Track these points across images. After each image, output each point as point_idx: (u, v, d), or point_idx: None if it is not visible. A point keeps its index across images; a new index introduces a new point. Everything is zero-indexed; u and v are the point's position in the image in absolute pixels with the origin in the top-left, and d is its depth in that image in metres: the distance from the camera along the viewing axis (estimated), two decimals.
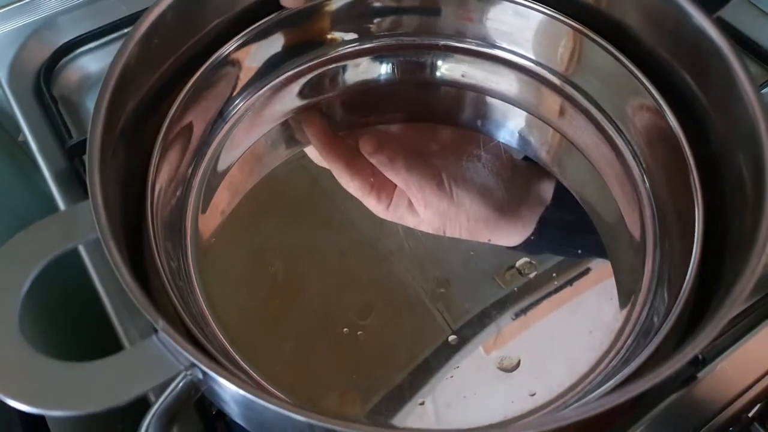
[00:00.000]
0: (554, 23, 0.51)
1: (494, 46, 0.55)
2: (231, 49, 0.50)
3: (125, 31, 0.59)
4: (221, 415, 0.43)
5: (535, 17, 0.52)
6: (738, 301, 0.35)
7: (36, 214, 0.39)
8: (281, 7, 0.51)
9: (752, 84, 0.41)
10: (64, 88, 0.58)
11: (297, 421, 0.32)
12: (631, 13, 0.49)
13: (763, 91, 0.54)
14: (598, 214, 0.50)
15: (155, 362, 0.34)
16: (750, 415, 0.44)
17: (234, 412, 0.38)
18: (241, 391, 0.32)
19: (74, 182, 0.52)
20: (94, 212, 0.36)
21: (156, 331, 0.35)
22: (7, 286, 0.34)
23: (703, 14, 0.44)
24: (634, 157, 0.50)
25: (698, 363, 0.44)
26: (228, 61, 0.50)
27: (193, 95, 0.48)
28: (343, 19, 0.54)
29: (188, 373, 0.34)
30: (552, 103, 0.54)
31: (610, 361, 0.43)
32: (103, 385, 0.33)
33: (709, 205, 0.44)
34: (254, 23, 0.50)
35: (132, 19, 0.59)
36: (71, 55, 0.59)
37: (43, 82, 0.56)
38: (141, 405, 0.37)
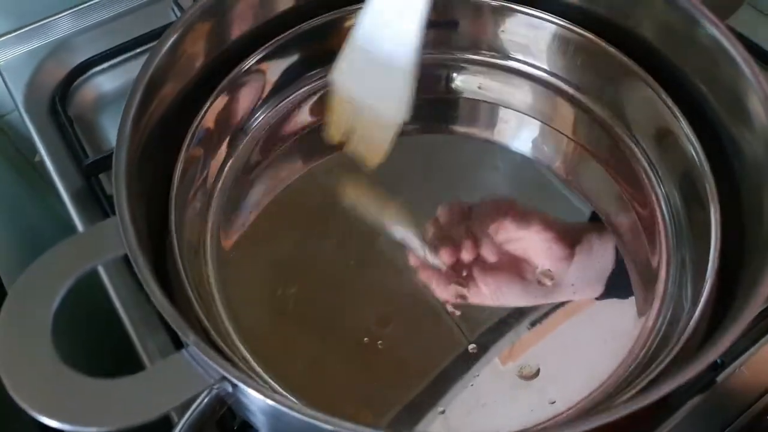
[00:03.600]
0: (567, 34, 0.52)
1: (509, 58, 0.55)
2: (252, 62, 0.50)
3: (139, 50, 0.60)
4: (243, 430, 0.43)
5: (549, 29, 0.53)
6: (758, 304, 0.35)
7: (52, 234, 0.40)
8: (302, 21, 0.51)
9: (764, 87, 0.42)
10: (80, 108, 0.59)
11: (325, 430, 0.32)
12: (645, 22, 0.49)
13: None
14: (613, 223, 0.50)
15: (184, 377, 0.34)
16: None
17: (261, 423, 0.38)
18: (271, 402, 0.32)
19: (91, 201, 0.52)
20: (122, 229, 0.36)
21: (184, 345, 0.35)
22: (39, 302, 0.35)
23: (716, 22, 0.44)
24: (648, 165, 0.51)
25: (717, 367, 0.44)
26: (249, 75, 0.51)
27: (214, 109, 0.49)
28: None
29: (216, 387, 0.34)
30: (567, 113, 0.54)
31: (629, 368, 0.43)
32: (132, 401, 0.34)
33: (725, 209, 0.44)
34: (275, 37, 0.51)
35: (146, 39, 0.60)
36: (86, 76, 0.60)
37: (59, 102, 0.57)
38: (165, 421, 0.37)
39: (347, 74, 0.47)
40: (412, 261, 0.48)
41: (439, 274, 0.47)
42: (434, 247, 0.48)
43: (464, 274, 0.47)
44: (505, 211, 0.50)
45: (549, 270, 0.47)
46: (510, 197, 0.52)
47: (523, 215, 0.50)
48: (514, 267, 0.48)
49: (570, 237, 0.49)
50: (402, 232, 0.49)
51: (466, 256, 0.48)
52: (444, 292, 0.47)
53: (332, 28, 0.53)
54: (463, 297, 0.47)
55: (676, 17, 0.47)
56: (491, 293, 0.47)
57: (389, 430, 0.42)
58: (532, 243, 0.49)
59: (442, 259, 0.48)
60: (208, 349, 0.33)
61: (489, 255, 0.48)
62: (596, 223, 0.50)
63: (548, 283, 0.47)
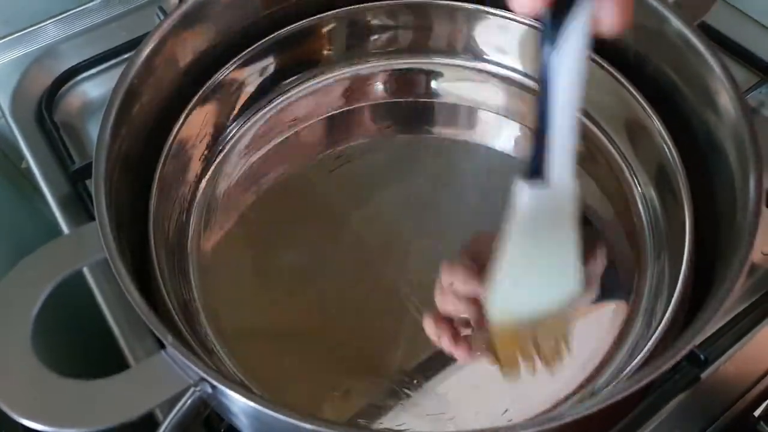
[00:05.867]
0: (537, 34, 0.52)
1: (484, 60, 0.56)
2: (230, 70, 0.51)
3: (125, 57, 0.60)
4: None
5: (521, 30, 0.53)
6: (732, 291, 0.36)
7: (38, 239, 0.40)
8: (277, 29, 0.52)
9: (732, 82, 0.42)
10: (66, 115, 0.59)
11: (306, 429, 0.32)
12: None
13: (750, 95, 0.55)
14: (592, 218, 0.50)
15: (164, 378, 0.35)
16: (756, 414, 0.44)
17: (243, 424, 0.39)
18: (251, 403, 0.33)
19: (77, 206, 0.53)
20: (101, 233, 0.37)
21: (163, 346, 0.35)
22: (19, 307, 0.35)
23: (683, 20, 0.45)
24: (623, 161, 0.51)
25: (701, 363, 0.45)
26: (227, 82, 0.51)
27: (193, 117, 0.49)
28: (338, 38, 0.55)
29: (197, 388, 0.35)
30: None
31: (610, 365, 0.44)
32: (113, 401, 0.34)
33: (699, 203, 0.45)
34: (251, 45, 0.51)
35: (131, 45, 0.60)
36: (72, 82, 0.60)
37: (45, 109, 0.57)
38: (151, 422, 0.38)
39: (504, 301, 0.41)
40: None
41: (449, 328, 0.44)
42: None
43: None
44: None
45: None
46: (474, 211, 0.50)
47: None
48: None
49: None
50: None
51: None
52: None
53: (309, 35, 0.53)
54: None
55: (645, 14, 0.47)
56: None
57: (366, 427, 0.42)
58: None
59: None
60: (186, 350, 0.33)
61: None
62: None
63: None
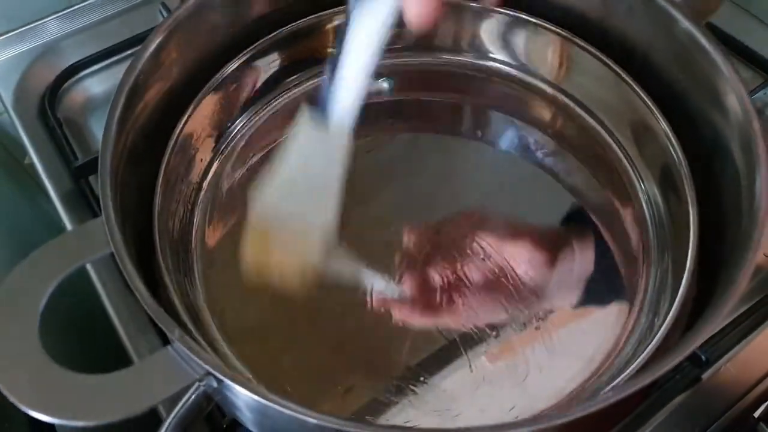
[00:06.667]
0: (545, 33, 0.53)
1: (489, 58, 0.56)
2: (234, 67, 0.51)
3: (127, 53, 0.60)
4: (232, 429, 0.44)
5: (528, 29, 0.53)
6: (735, 296, 0.36)
7: (42, 235, 0.40)
8: (282, 24, 0.52)
9: (740, 83, 0.42)
10: (69, 111, 0.59)
11: (309, 423, 0.32)
12: (622, 21, 0.50)
13: (756, 95, 0.56)
14: (596, 217, 0.50)
15: (169, 372, 0.35)
16: (756, 415, 0.44)
17: (248, 419, 0.39)
18: (257, 397, 0.33)
19: (80, 202, 0.53)
20: (107, 227, 0.37)
21: (170, 341, 0.35)
22: (27, 301, 0.35)
23: (691, 20, 0.45)
24: (628, 161, 0.51)
25: (702, 364, 0.45)
26: (230, 79, 0.51)
27: (198, 113, 0.49)
28: (342, 35, 0.54)
29: (202, 383, 0.35)
30: (546, 111, 0.55)
31: (613, 364, 0.44)
32: (120, 395, 0.34)
33: (704, 204, 0.45)
34: (257, 41, 0.51)
35: (133, 42, 0.60)
36: (75, 78, 0.60)
37: (48, 105, 0.57)
38: (154, 417, 0.38)
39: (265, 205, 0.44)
40: (380, 303, 0.46)
41: (412, 308, 0.46)
42: (403, 278, 0.47)
43: (443, 300, 0.46)
44: (476, 224, 0.49)
45: (532, 279, 0.47)
46: (476, 208, 0.51)
47: (497, 225, 0.49)
48: (494, 282, 0.47)
49: (549, 242, 0.49)
50: (372, 262, 0.48)
51: (442, 279, 0.47)
52: (425, 323, 0.46)
53: (313, 32, 0.53)
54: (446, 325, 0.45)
55: (653, 14, 0.47)
56: (474, 314, 0.46)
57: (371, 422, 0.42)
58: (512, 253, 0.48)
59: (413, 290, 0.47)
60: (193, 344, 0.33)
61: (471, 273, 0.47)
62: (575, 225, 0.50)
63: (531, 293, 0.46)
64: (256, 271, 0.43)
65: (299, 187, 0.43)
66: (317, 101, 0.41)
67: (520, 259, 0.48)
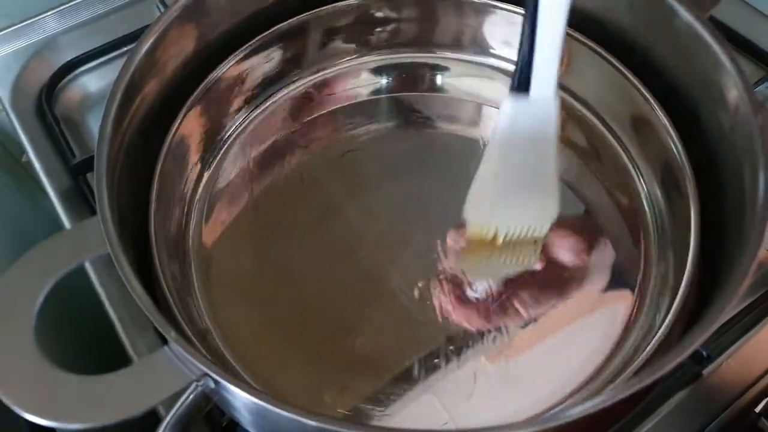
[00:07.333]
0: None
1: (491, 55, 0.55)
2: (230, 64, 0.50)
3: (125, 49, 0.60)
4: (231, 428, 0.44)
5: None
6: (737, 293, 0.35)
7: (40, 233, 0.40)
8: (279, 21, 0.51)
9: (743, 78, 0.42)
10: (66, 108, 0.59)
11: (308, 425, 0.32)
12: (624, 16, 0.50)
13: (757, 89, 0.55)
14: (597, 215, 0.50)
15: (166, 373, 0.34)
16: (757, 410, 0.44)
17: (246, 420, 0.38)
18: (254, 399, 0.32)
19: (78, 200, 0.53)
20: (103, 227, 0.36)
21: (166, 342, 0.35)
22: (22, 301, 0.35)
23: (693, 13, 0.45)
24: (628, 158, 0.51)
25: (703, 360, 0.45)
26: (227, 77, 0.51)
27: (194, 112, 0.49)
28: (342, 31, 0.54)
29: (199, 383, 0.34)
30: None
31: (614, 363, 0.44)
32: (116, 397, 0.34)
33: (705, 201, 0.45)
34: (253, 38, 0.51)
35: (131, 38, 0.60)
36: (72, 75, 0.60)
37: (45, 102, 0.57)
38: (152, 418, 0.37)
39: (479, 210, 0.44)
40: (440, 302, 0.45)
41: (472, 311, 0.45)
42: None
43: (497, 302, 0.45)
44: None
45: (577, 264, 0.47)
46: None
47: None
48: (544, 273, 0.46)
49: (582, 229, 0.49)
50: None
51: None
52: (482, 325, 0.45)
53: (310, 29, 0.53)
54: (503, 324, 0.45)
55: (653, 7, 0.47)
56: (531, 310, 0.45)
57: (368, 424, 0.42)
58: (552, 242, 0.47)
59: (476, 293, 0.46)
60: (189, 345, 0.33)
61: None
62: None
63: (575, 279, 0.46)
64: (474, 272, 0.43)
65: (516, 176, 0.42)
66: (513, 85, 0.40)
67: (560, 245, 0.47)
